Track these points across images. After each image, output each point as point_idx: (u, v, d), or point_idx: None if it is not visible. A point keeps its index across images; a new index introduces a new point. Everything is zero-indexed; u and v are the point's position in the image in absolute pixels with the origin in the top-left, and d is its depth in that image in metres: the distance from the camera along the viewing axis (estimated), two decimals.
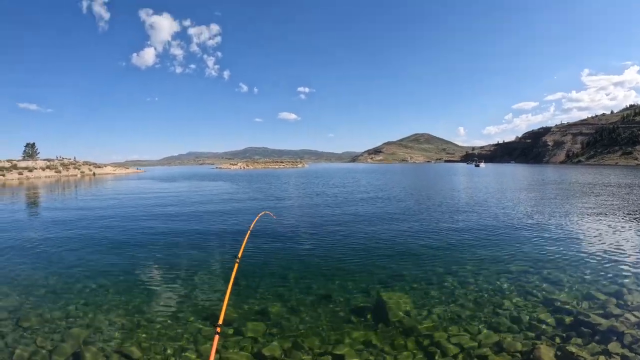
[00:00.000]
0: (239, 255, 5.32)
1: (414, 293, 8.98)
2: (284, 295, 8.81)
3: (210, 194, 35.24)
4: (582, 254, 12.08)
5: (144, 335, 7.22)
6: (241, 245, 5.48)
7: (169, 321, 7.84)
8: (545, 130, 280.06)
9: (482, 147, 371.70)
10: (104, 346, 6.78)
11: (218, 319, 3.09)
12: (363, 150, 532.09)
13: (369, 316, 7.85)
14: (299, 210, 21.27)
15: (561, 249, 12.83)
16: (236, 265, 5.25)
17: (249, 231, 7.69)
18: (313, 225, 16.94)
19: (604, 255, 11.91)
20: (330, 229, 16.09)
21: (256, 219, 8.46)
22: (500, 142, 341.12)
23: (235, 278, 9.94)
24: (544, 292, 8.87)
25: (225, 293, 3.60)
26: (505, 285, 9.37)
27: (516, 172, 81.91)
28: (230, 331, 7.41)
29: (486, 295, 8.77)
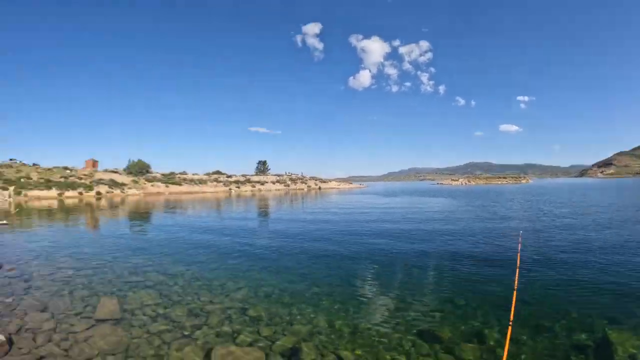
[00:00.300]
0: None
1: None
2: (502, 321, 8.63)
3: (431, 211, 36.14)
4: None
5: (358, 342, 7.69)
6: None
7: (383, 332, 8.13)
8: None
9: None
10: (319, 346, 7.53)
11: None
12: (592, 163, 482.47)
13: (589, 354, 7.21)
14: (525, 232, 19.33)
15: None
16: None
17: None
18: (538, 250, 16.79)
19: None
20: (554, 256, 15.60)
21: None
22: None
23: (452, 296, 9.15)
24: None
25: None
26: None
27: None
28: (443, 350, 7.31)
29: None
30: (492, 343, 7.69)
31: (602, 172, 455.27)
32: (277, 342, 7.48)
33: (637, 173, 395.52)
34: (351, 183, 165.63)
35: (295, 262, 14.71)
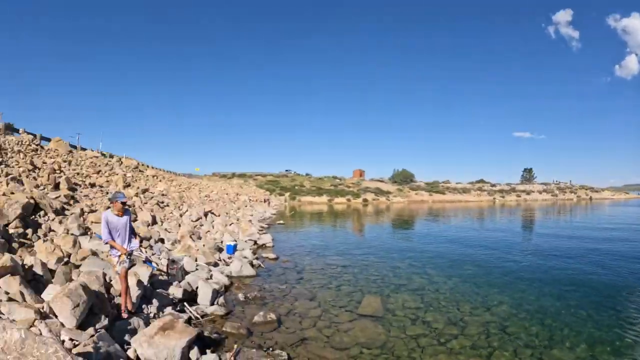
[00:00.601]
0: None
1: None
2: None
3: None
4: None
5: None
6: None
7: None
8: None
9: None
10: None
11: None
12: None
13: None
14: None
15: None
16: None
17: None
18: None
19: None
20: None
21: None
22: None
23: None
24: None
25: None
26: None
27: None
28: None
29: None
30: None
31: None
32: None
33: None
34: (628, 193, 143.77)
35: (562, 282, 13.50)
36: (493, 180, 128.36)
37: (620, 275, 14.61)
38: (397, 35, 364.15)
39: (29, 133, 27.92)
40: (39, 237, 10.10)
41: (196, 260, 12.87)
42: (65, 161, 23.94)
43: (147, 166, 48.76)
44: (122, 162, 36.46)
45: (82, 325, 6.26)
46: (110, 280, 8.39)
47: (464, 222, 40.04)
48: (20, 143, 23.45)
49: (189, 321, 8.20)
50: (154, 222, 17.35)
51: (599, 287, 13.09)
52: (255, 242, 20.16)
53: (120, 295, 7.57)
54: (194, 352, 6.40)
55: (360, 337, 8.27)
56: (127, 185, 23.57)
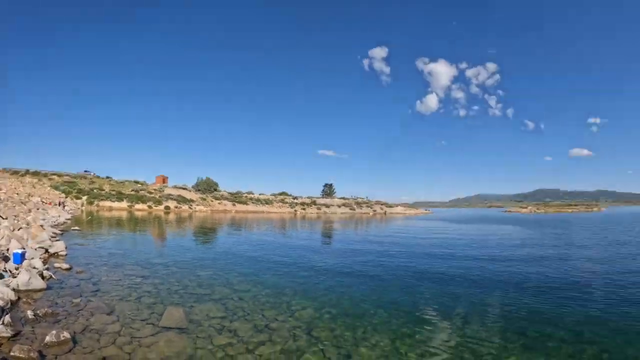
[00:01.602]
0: None
1: None
2: (576, 355, 8.29)
3: (498, 238, 35.29)
4: None
5: None
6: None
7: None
8: None
9: None
10: None
11: None
12: None
13: None
14: (597, 261, 18.59)
15: None
16: None
17: None
18: (612, 279, 16.23)
19: None
20: (636, 287, 14.46)
21: None
22: None
23: (521, 327, 8.60)
24: None
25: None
26: None
27: None
28: None
29: None
30: None
31: None
32: None
33: None
34: (417, 208, 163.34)
35: (362, 285, 14.34)
36: (295, 193, 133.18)
37: (414, 277, 15.97)
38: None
39: None
40: None
41: None
42: None
43: None
44: None
45: None
46: None
47: (266, 232, 40.44)
48: None
49: None
50: None
51: (396, 287, 14.14)
52: (47, 250, 17.54)
53: None
54: None
55: (166, 351, 7.41)
56: None
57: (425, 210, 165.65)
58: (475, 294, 13.20)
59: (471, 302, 12.07)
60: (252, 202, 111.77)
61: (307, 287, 13.66)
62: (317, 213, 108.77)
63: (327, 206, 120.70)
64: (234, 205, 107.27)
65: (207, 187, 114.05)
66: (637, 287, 14.29)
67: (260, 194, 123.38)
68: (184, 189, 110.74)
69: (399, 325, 9.68)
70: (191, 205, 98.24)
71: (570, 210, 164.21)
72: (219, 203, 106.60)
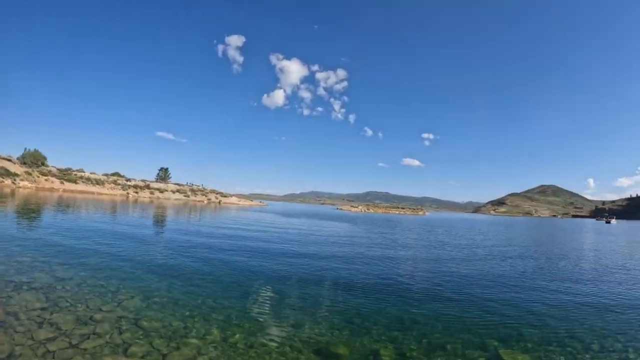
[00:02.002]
0: None
1: (533, 354, 8.89)
2: (398, 339, 9.44)
3: (329, 234, 39.03)
4: None
5: (254, 357, 7.74)
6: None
7: (280, 349, 8.28)
8: None
9: (613, 202, 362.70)
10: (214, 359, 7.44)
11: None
12: (486, 201, 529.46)
13: None
14: (419, 257, 21.10)
15: None
16: None
17: None
18: (431, 272, 18.91)
19: None
20: (448, 278, 17.50)
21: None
22: (634, 195, 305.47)
23: (348, 315, 9.57)
24: None
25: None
26: (631, 356, 9.03)
27: None
28: None
29: None
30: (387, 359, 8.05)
31: (494, 210, 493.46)
32: (170, 355, 7.25)
33: (526, 212, 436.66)
34: (252, 200, 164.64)
35: (192, 274, 14.27)
36: (129, 175, 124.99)
37: (245, 269, 16.31)
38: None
39: None
40: None
41: None
42: None
43: None
44: None
45: None
46: None
47: (96, 216, 37.05)
48: None
49: None
50: None
51: (228, 277, 14.34)
52: None
53: None
54: None
55: None
56: None
57: (260, 202, 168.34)
58: (305, 287, 13.90)
59: (302, 295, 12.74)
60: (83, 182, 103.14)
61: (135, 275, 13.20)
62: (150, 197, 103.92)
63: (161, 191, 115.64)
64: (62, 183, 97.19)
65: (34, 161, 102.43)
66: (449, 281, 16.40)
67: (91, 173, 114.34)
68: (7, 160, 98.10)
69: (230, 315, 9.97)
70: (15, 179, 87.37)
71: (397, 212, 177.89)
72: (45, 180, 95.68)
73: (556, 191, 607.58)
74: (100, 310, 9.26)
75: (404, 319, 10.83)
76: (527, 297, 14.22)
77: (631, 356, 9.02)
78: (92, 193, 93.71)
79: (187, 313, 9.76)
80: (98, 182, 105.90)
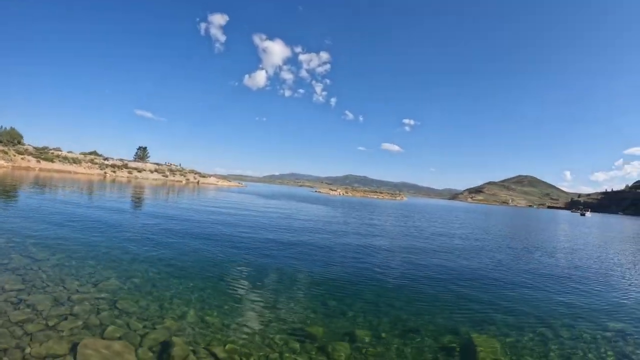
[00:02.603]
0: None
1: (504, 338, 9.33)
2: (373, 322, 9.70)
3: (307, 216, 39.51)
4: None
5: (231, 338, 7.88)
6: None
7: (256, 329, 8.49)
8: None
9: (588, 195, 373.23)
10: (191, 341, 7.53)
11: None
12: (463, 189, 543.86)
13: (455, 356, 8.25)
14: (396, 242, 21.61)
15: None
16: None
17: None
18: (408, 258, 19.07)
19: None
20: (425, 264, 17.84)
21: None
22: (609, 190, 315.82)
23: (324, 298, 9.78)
24: None
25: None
26: (601, 343, 9.53)
27: (623, 225, 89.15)
28: (316, 349, 7.81)
29: (579, 351, 8.99)
30: (362, 342, 8.26)
31: (472, 198, 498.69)
32: (148, 336, 7.32)
33: (503, 201, 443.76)
34: (231, 181, 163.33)
35: (169, 256, 14.26)
36: (107, 154, 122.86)
37: (224, 250, 16.44)
38: None
39: None
40: None
41: None
42: None
43: None
44: None
45: None
46: None
47: (73, 195, 36.38)
48: None
49: None
50: None
51: (206, 258, 14.44)
52: None
53: None
54: None
55: None
56: None
57: (239, 183, 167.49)
58: (282, 270, 14.00)
59: (278, 278, 12.85)
60: (60, 161, 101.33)
61: (112, 257, 13.14)
62: (127, 177, 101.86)
63: (139, 171, 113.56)
64: (38, 162, 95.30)
65: (9, 139, 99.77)
66: (426, 267, 16.72)
67: (68, 152, 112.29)
68: None
69: (207, 297, 10.11)
70: None
71: (376, 197, 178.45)
72: (22, 158, 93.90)
73: (533, 182, 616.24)
74: (77, 291, 9.28)
75: (380, 303, 11.12)
76: (501, 285, 14.65)
77: (600, 343, 9.41)
78: (69, 172, 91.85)
79: (164, 294, 9.85)
80: (75, 161, 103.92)
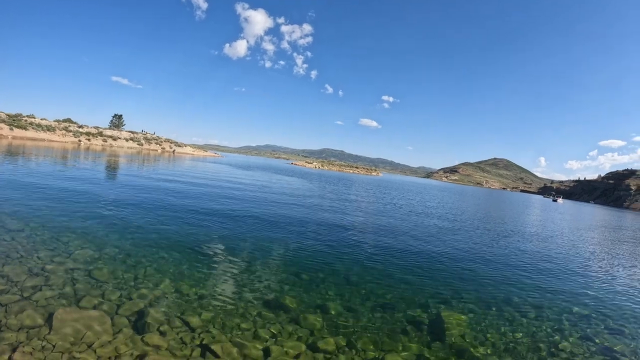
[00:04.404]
0: None
1: (472, 315, 9.71)
2: (345, 295, 10.02)
3: (282, 189, 39.98)
4: None
5: (205, 308, 8.02)
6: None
7: (230, 299, 8.67)
8: (630, 173, 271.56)
9: (561, 182, 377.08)
10: (167, 310, 7.64)
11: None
12: (438, 168, 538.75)
13: (424, 330, 8.59)
14: (371, 218, 22.13)
15: (629, 299, 13.42)
16: None
17: None
18: (382, 234, 19.53)
19: None
20: (397, 240, 18.41)
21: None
22: (582, 178, 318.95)
23: (298, 270, 9.96)
24: (604, 341, 9.26)
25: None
26: (565, 326, 9.94)
27: (594, 214, 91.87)
28: (289, 319, 8.06)
29: (544, 332, 9.37)
30: (334, 314, 8.48)
31: (446, 177, 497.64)
32: (123, 306, 7.37)
33: (477, 182, 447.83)
34: (207, 151, 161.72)
35: (144, 226, 14.20)
36: (81, 121, 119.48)
37: (199, 218, 16.55)
38: None
39: None
40: None
41: None
42: None
43: None
44: None
45: None
46: None
47: (46, 163, 34.73)
48: None
49: None
50: None
51: (180, 227, 14.48)
52: None
53: None
54: None
55: None
56: None
57: (215, 153, 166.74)
58: (257, 242, 14.13)
59: (253, 250, 12.96)
60: (33, 128, 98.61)
61: (87, 226, 13.01)
62: (102, 145, 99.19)
63: (114, 139, 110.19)
64: (11, 129, 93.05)
65: None
66: (399, 244, 17.16)
67: (42, 119, 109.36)
68: None
69: (182, 268, 10.17)
70: None
71: (351, 171, 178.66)
72: None
73: (508, 165, 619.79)
74: (52, 261, 9.21)
75: (352, 277, 11.36)
76: (472, 264, 15.10)
77: (564, 324, 9.81)
78: (43, 140, 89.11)
79: (139, 264, 9.88)
80: (49, 129, 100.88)
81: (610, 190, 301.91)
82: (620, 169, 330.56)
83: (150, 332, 6.57)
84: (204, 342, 6.45)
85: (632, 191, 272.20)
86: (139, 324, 6.81)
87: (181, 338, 6.54)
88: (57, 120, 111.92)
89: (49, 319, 6.42)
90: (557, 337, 8.94)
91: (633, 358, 8.42)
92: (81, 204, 16.71)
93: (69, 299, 7.40)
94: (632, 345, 9.14)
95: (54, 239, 11.05)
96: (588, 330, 9.70)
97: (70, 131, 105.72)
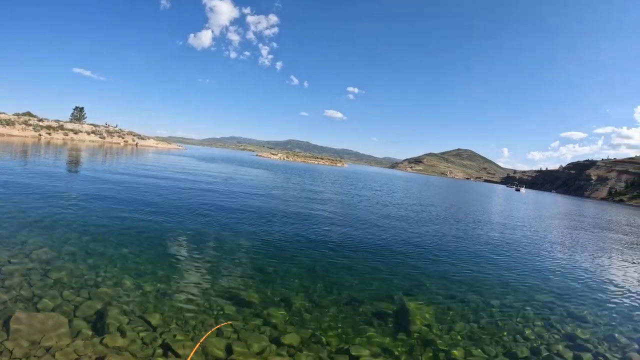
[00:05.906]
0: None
1: (437, 306, 9.85)
2: (309, 288, 10.07)
3: (247, 181, 40.22)
4: (610, 294, 13.20)
5: (167, 305, 7.95)
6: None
7: (193, 295, 8.61)
8: (591, 164, 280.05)
9: (523, 172, 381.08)
10: (127, 309, 7.50)
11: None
12: (403, 159, 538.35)
13: (390, 322, 8.67)
14: (335, 208, 22.49)
15: (589, 285, 13.97)
16: None
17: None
18: (348, 226, 19.76)
19: (632, 298, 13.02)
20: (363, 231, 18.70)
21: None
22: (544, 169, 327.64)
23: (262, 264, 9.94)
24: (566, 327, 9.57)
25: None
26: (529, 313, 10.19)
27: (557, 203, 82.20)
28: (253, 315, 8.06)
29: (508, 320, 9.59)
30: (298, 308, 8.53)
31: (411, 168, 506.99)
32: (82, 306, 7.20)
33: (442, 173, 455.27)
34: (170, 143, 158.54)
35: (105, 223, 13.82)
36: (42, 115, 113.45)
37: (160, 213, 16.33)
38: None
39: None
40: None
41: None
42: None
43: None
44: None
45: None
46: None
47: (4, 160, 32.97)
48: None
49: None
50: None
51: (141, 223, 14.29)
52: None
53: None
54: None
55: None
56: None
57: (179, 146, 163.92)
58: (220, 237, 14.03)
59: (216, 245, 12.89)
60: None
61: (45, 224, 12.59)
62: (63, 139, 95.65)
63: (76, 132, 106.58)
64: None
65: None
66: (364, 236, 17.41)
67: (0, 113, 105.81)
68: None
69: (144, 263, 10.06)
70: None
71: (316, 162, 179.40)
72: None
73: (472, 156, 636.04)
74: (9, 262, 8.89)
75: (316, 269, 11.45)
76: (436, 255, 15.41)
77: (528, 313, 10.09)
78: (2, 135, 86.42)
79: (99, 262, 9.66)
80: (8, 123, 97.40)
81: (571, 180, 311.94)
82: (582, 159, 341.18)
83: (109, 334, 6.42)
84: (165, 342, 6.40)
85: (592, 181, 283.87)
86: (99, 325, 6.66)
87: (142, 338, 6.43)
88: (17, 114, 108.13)
89: (5, 324, 6.16)
90: (520, 326, 9.16)
91: (595, 342, 8.64)
92: (39, 202, 16.11)
93: (26, 301, 7.16)
94: (593, 330, 9.41)
95: (11, 238, 10.65)
96: (552, 317, 9.98)
97: (31, 125, 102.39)
